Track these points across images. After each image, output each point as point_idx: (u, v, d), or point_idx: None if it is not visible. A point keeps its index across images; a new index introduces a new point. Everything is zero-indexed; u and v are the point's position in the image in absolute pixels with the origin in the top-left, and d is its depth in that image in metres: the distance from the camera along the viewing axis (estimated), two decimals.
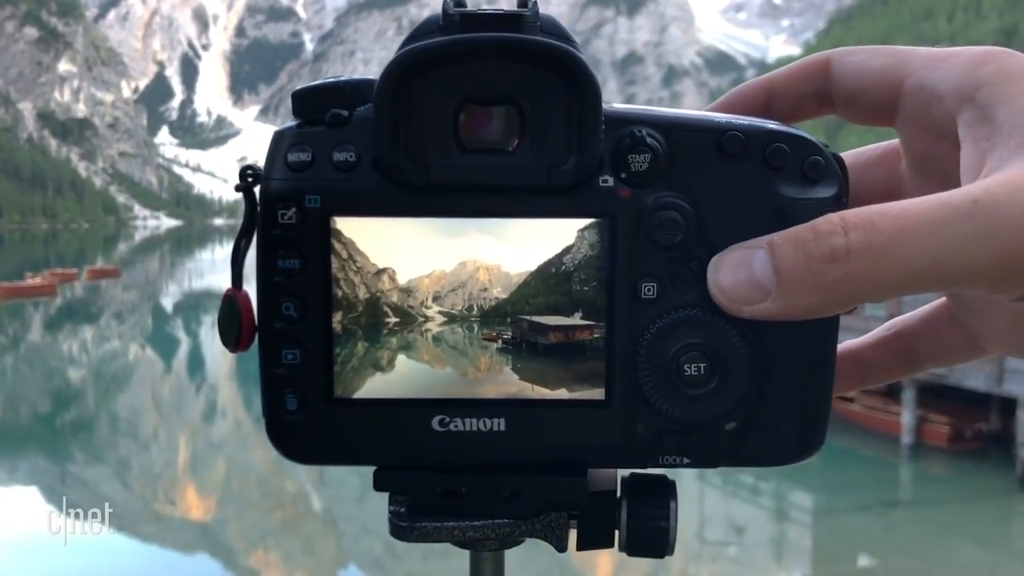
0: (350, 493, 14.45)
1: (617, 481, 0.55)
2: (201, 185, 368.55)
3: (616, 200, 0.49)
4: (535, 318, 0.51)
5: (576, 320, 0.50)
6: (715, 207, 0.50)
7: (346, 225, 0.50)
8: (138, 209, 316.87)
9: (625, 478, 0.55)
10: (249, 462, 18.26)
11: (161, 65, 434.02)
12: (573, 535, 0.55)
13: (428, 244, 0.50)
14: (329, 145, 0.50)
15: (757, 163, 0.50)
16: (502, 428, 0.51)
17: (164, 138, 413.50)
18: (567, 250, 0.50)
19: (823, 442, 0.53)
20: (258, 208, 0.51)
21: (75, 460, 18.81)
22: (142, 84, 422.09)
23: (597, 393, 0.51)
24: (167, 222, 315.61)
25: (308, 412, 0.52)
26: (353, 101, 0.50)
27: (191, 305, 51.33)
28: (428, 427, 0.51)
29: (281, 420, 0.52)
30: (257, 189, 0.51)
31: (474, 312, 0.51)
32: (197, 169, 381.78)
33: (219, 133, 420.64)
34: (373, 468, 0.53)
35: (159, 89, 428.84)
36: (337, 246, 0.50)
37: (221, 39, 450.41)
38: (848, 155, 0.54)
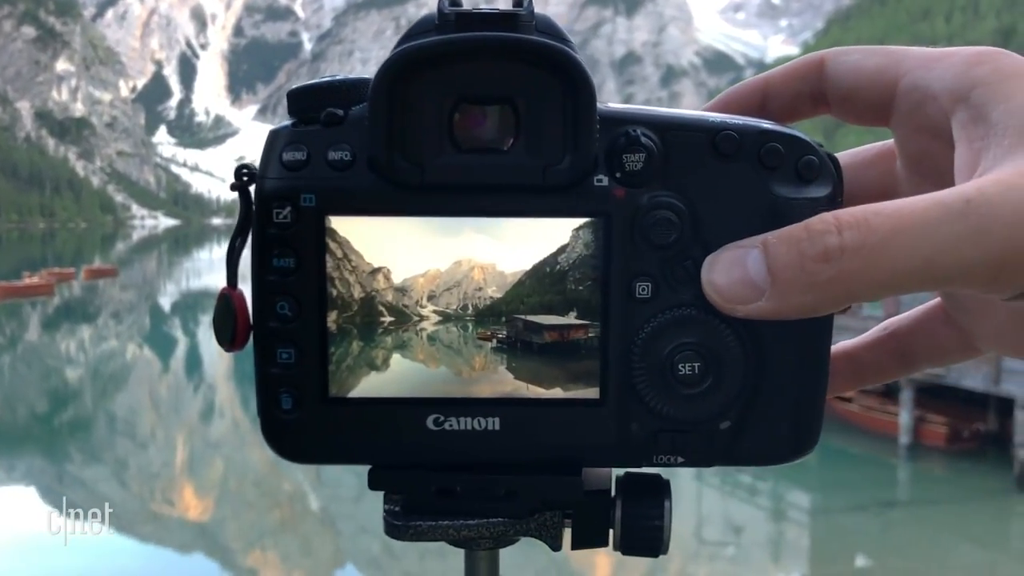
0: (347, 492, 14.43)
1: (612, 480, 0.55)
2: (199, 184, 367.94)
3: (611, 199, 0.49)
4: (530, 317, 0.51)
5: (571, 319, 0.50)
6: (710, 206, 0.50)
7: (341, 224, 0.50)
8: (136, 208, 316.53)
9: (619, 477, 0.55)
10: (246, 462, 18.25)
11: (159, 64, 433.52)
12: (568, 534, 0.55)
13: (423, 243, 0.50)
14: (324, 144, 0.50)
15: (751, 163, 0.50)
16: (497, 427, 0.51)
17: (162, 137, 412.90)
18: (562, 249, 0.50)
19: (817, 442, 0.53)
20: (253, 207, 0.51)
21: (73, 460, 18.80)
22: (140, 83, 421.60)
23: (592, 392, 0.51)
24: (165, 221, 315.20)
25: (303, 411, 0.52)
26: (348, 100, 0.50)
27: (189, 305, 51.30)
28: (423, 426, 0.51)
29: (276, 419, 0.52)
30: (252, 188, 0.51)
31: (469, 311, 0.51)
32: (195, 168, 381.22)
33: (217, 133, 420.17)
34: (368, 467, 0.53)
35: (157, 88, 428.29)
36: (332, 245, 0.50)
37: (219, 38, 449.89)
38: (843, 155, 0.55)
